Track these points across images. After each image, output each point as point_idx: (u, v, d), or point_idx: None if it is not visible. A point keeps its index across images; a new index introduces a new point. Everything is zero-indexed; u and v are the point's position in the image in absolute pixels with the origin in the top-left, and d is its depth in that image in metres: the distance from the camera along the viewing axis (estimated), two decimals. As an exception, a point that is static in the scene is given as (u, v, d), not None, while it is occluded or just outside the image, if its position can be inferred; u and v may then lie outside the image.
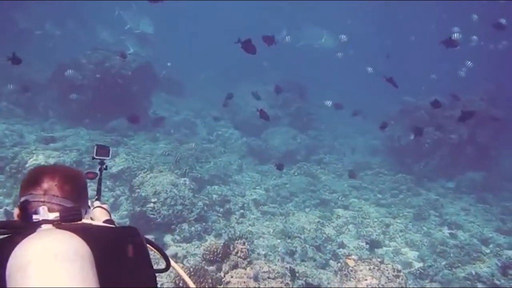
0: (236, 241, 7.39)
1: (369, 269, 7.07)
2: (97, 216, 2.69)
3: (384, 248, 10.84)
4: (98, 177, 3.18)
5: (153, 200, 9.93)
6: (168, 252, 8.57)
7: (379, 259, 7.51)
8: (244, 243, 7.37)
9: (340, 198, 13.52)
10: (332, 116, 24.81)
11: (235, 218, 11.13)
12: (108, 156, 3.29)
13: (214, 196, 11.84)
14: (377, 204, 13.59)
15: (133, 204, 10.10)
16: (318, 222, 11.64)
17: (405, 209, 13.28)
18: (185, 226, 9.86)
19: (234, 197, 12.50)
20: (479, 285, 9.08)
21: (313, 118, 20.42)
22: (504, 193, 15.93)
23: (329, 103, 13.83)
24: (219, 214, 11.12)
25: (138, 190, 10.23)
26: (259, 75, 23.19)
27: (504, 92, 19.31)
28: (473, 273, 9.21)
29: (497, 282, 9.03)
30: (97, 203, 2.88)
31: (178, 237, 9.60)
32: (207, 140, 18.03)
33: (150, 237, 9.41)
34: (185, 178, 11.17)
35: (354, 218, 12.31)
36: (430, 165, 16.74)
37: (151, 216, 9.69)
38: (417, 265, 10.02)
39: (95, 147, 3.28)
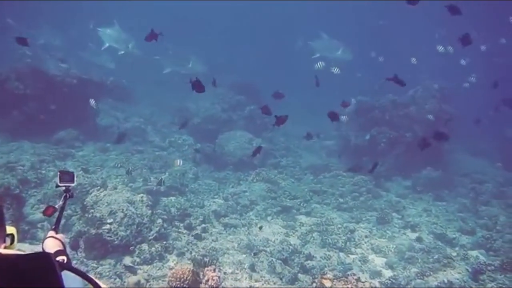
0: (206, 268, 6.86)
1: (347, 289, 6.73)
2: (48, 246, 2.63)
3: (351, 256, 10.59)
4: (61, 205, 3.05)
5: (109, 220, 9.25)
6: (130, 280, 7.98)
7: (355, 277, 7.18)
8: (214, 270, 6.86)
9: (301, 204, 13.19)
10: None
11: (197, 233, 10.59)
12: (73, 183, 3.11)
13: (173, 210, 11.26)
14: (339, 209, 13.36)
15: (87, 225, 9.37)
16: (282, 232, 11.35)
17: (367, 213, 13.11)
18: (144, 246, 9.26)
19: (193, 209, 11.96)
20: (451, 292, 8.96)
21: (267, 121, 20.01)
22: (459, 189, 16.08)
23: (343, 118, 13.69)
24: (179, 230, 10.59)
25: (92, 210, 9.51)
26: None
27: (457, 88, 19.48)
28: (445, 280, 9.07)
29: (469, 289, 8.93)
30: (51, 233, 2.77)
31: (138, 259, 9.00)
32: (159, 147, 17.33)
33: (108, 261, 8.85)
34: (142, 194, 10.54)
35: (317, 225, 12.01)
36: (387, 164, 16.70)
37: (108, 238, 9.03)
38: (386, 273, 9.82)
39: (58, 173, 3.10)
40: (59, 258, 2.53)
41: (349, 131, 18.05)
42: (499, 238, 11.78)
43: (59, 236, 2.81)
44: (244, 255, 9.87)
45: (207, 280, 6.56)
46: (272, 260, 9.63)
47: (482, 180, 16.86)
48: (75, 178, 3.14)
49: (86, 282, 1.91)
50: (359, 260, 10.37)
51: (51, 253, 1.70)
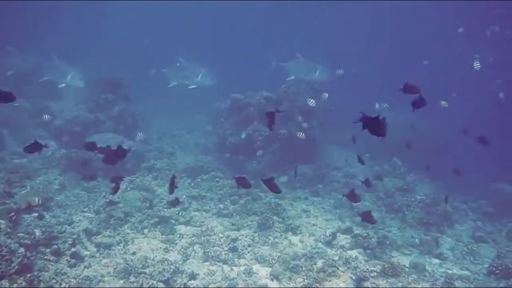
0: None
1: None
2: None
3: (235, 269, 10.20)
4: None
5: (-42, 258, 7.96)
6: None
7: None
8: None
9: (180, 213, 12.54)
10: (157, 113, 23.74)
11: (67, 260, 9.54)
12: None
13: (37, 232, 10.03)
14: (219, 215, 12.90)
15: None
16: (162, 248, 10.69)
17: (248, 218, 12.81)
18: (4, 283, 8.10)
19: (60, 227, 10.80)
20: (337, 303, 8.94)
21: (139, 119, 19.02)
22: (333, 183, 16.44)
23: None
24: (46, 257, 9.46)
25: None
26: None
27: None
28: (332, 292, 9.04)
29: (354, 298, 8.96)
30: None
31: (-4, 300, 7.85)
32: (18, 154, 15.59)
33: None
34: (0, 221, 9.25)
35: (198, 236, 11.48)
36: (263, 162, 16.58)
37: (-42, 280, 7.76)
38: (272, 285, 9.58)
39: None
40: None
41: (225, 129, 17.64)
42: (374, 235, 12.13)
43: None
44: (121, 281, 9.08)
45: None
46: (152, 283, 8.97)
47: (353, 173, 17.40)
48: None
49: None
50: (244, 273, 10.02)
51: None
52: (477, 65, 11.98)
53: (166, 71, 17.04)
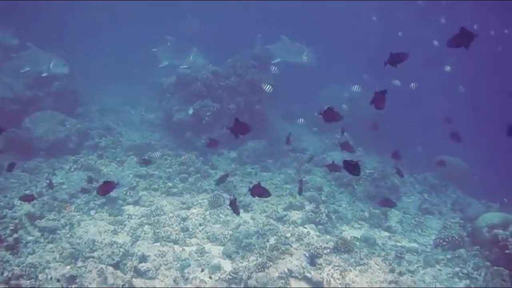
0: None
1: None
2: None
3: (187, 249, 10.00)
4: None
5: None
6: None
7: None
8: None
9: (127, 193, 12.16)
10: (98, 88, 22.91)
11: (8, 245, 9.04)
12: None
13: (-25, 219, 9.49)
14: (169, 194, 12.61)
15: None
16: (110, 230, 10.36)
17: (198, 196, 12.60)
18: None
19: (0, 211, 10.25)
20: (292, 280, 8.89)
21: (80, 95, 18.25)
22: (283, 158, 16.34)
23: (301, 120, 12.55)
24: (-14, 245, 8.94)
25: None
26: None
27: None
28: (286, 270, 8.98)
29: (308, 275, 8.94)
30: None
31: None
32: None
33: None
34: None
35: (148, 216, 11.18)
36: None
37: None
38: (225, 265, 9.44)
39: None
40: None
41: (172, 105, 17.15)
42: (325, 209, 12.19)
43: None
44: (68, 267, 8.70)
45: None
46: (101, 268, 8.66)
47: (303, 148, 17.41)
48: None
49: None
50: (196, 253, 9.83)
51: None
52: (447, 68, 12.95)
53: (156, 51, 16.76)
